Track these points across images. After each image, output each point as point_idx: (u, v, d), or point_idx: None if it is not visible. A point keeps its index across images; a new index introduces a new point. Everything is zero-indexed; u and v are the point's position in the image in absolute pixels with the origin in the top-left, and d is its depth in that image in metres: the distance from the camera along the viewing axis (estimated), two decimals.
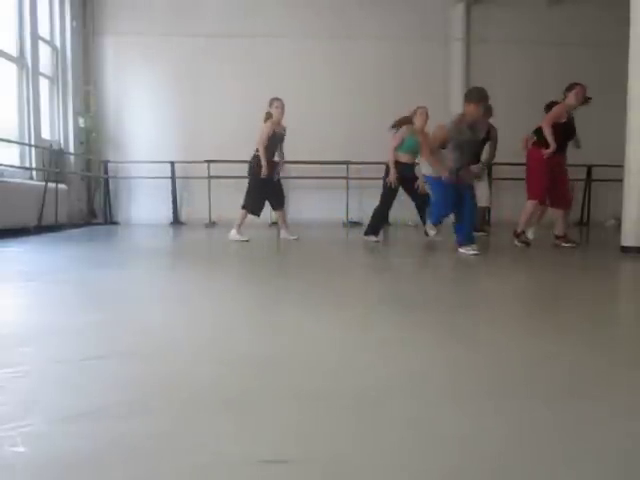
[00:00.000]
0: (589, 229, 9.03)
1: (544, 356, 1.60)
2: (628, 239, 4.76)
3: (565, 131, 5.23)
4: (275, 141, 5.92)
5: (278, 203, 6.13)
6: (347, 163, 9.11)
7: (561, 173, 5.34)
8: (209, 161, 9.09)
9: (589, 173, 9.94)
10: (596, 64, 9.96)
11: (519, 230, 5.39)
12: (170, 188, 9.60)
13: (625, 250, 4.73)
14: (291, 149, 8.76)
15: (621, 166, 4.93)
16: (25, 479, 0.89)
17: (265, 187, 5.90)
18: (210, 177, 9.23)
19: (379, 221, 5.83)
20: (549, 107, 6.03)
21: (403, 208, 8.06)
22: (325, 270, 3.77)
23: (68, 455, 0.96)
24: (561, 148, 5.23)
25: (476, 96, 4.45)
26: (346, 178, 9.38)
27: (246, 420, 1.12)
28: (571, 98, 5.23)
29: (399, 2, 9.87)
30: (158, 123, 9.79)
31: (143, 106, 9.77)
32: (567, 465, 0.94)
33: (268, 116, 5.92)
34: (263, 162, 5.73)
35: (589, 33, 9.94)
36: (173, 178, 9.56)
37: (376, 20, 9.83)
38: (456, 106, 10.19)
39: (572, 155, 9.13)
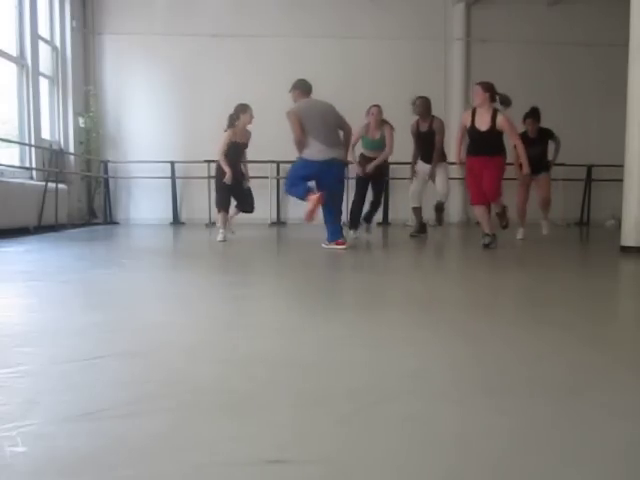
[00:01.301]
0: (589, 229, 9.03)
1: (543, 355, 1.60)
2: (628, 239, 4.76)
3: (473, 136, 5.20)
4: (237, 149, 5.83)
5: (245, 207, 6.04)
6: (347, 163, 9.10)
7: (482, 171, 5.20)
8: (209, 161, 9.08)
9: (589, 173, 9.94)
10: (596, 64, 9.97)
11: (485, 231, 5.22)
12: (170, 188, 9.60)
13: (625, 250, 4.73)
14: (291, 149, 8.74)
15: (621, 166, 4.93)
16: (25, 479, 0.89)
17: (230, 190, 5.85)
18: (210, 177, 9.23)
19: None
20: (534, 112, 6.13)
21: (402, 208, 8.07)
22: (323, 270, 3.78)
23: (68, 455, 0.96)
24: (476, 151, 5.16)
25: (293, 84, 5.19)
26: (346, 178, 9.37)
27: (246, 420, 1.12)
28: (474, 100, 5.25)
29: (399, 2, 9.87)
30: (158, 123, 9.79)
31: (143, 106, 9.77)
32: (567, 465, 0.94)
33: (232, 121, 5.79)
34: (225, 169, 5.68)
35: (589, 33, 9.94)
36: (173, 178, 9.56)
37: (376, 20, 9.83)
38: (456, 105, 10.24)
39: (572, 155, 9.19)
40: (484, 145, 5.13)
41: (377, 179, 6.27)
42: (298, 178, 4.93)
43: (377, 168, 6.16)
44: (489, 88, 5.14)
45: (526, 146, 6.15)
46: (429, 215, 6.75)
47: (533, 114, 6.20)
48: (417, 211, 6.57)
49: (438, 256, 5.07)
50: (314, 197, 4.71)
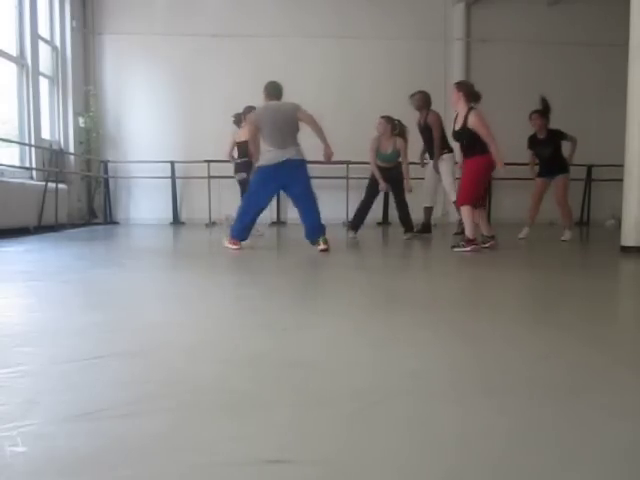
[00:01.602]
0: (589, 229, 9.03)
1: (543, 355, 1.60)
2: (628, 239, 4.76)
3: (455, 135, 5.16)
4: None
5: None
6: (347, 163, 9.11)
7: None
8: (209, 161, 9.09)
9: (589, 173, 9.94)
10: (596, 64, 9.97)
11: (486, 233, 5.16)
12: (170, 188, 9.60)
13: (625, 250, 4.73)
14: None
15: (621, 166, 4.93)
16: (25, 479, 0.89)
17: None
18: (210, 177, 9.24)
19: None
20: (543, 106, 6.13)
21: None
22: (323, 270, 3.77)
23: (68, 455, 0.96)
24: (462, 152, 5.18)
25: (264, 86, 4.98)
26: (346, 178, 9.39)
27: (246, 420, 1.12)
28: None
29: (399, 2, 9.87)
30: (158, 123, 9.78)
31: (143, 106, 9.77)
32: (567, 465, 0.94)
33: (239, 120, 6.18)
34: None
35: (589, 33, 9.94)
36: (173, 178, 9.56)
37: (376, 20, 9.83)
38: None
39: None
40: (462, 146, 5.07)
41: (393, 184, 6.35)
42: (260, 200, 4.88)
43: (391, 174, 6.30)
44: (462, 87, 4.99)
45: (536, 147, 6.16)
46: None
47: (541, 108, 6.10)
48: (427, 211, 6.51)
49: (436, 256, 5.06)
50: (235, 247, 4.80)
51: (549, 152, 6.11)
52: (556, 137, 6.15)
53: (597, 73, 10.02)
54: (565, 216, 6.26)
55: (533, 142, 6.22)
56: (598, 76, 9.97)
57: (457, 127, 4.97)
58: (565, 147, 6.24)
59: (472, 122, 4.82)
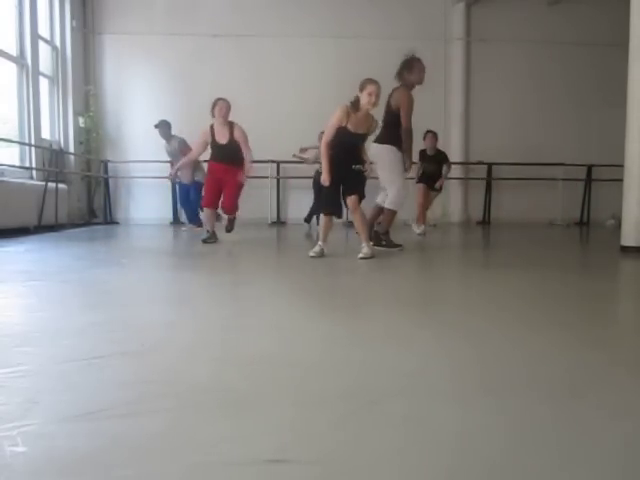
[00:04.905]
0: (589, 229, 9.03)
1: (543, 355, 1.60)
2: (628, 239, 4.76)
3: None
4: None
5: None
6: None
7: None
8: (208, 161, 9.06)
9: (589, 173, 9.94)
10: (596, 64, 9.97)
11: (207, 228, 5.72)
12: (170, 188, 9.59)
13: (625, 250, 4.73)
14: (290, 150, 8.72)
15: (621, 166, 4.93)
16: (25, 479, 0.89)
17: None
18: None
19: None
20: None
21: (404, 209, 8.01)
22: (322, 270, 3.77)
23: (68, 455, 0.96)
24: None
25: None
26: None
27: (246, 420, 1.12)
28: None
29: (398, 2, 9.87)
30: None
31: (143, 106, 9.76)
32: (567, 465, 0.94)
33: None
34: None
35: (589, 33, 9.95)
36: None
37: (376, 20, 9.83)
38: (457, 105, 10.24)
39: (572, 155, 9.11)
40: (223, 155, 5.88)
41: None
42: None
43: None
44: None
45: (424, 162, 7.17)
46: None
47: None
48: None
49: (433, 257, 5.07)
50: None
51: (433, 168, 7.19)
52: (441, 157, 7.28)
53: (597, 73, 10.02)
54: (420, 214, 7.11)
55: (423, 157, 7.17)
56: (598, 76, 9.97)
57: (223, 141, 5.94)
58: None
59: (237, 135, 5.85)
